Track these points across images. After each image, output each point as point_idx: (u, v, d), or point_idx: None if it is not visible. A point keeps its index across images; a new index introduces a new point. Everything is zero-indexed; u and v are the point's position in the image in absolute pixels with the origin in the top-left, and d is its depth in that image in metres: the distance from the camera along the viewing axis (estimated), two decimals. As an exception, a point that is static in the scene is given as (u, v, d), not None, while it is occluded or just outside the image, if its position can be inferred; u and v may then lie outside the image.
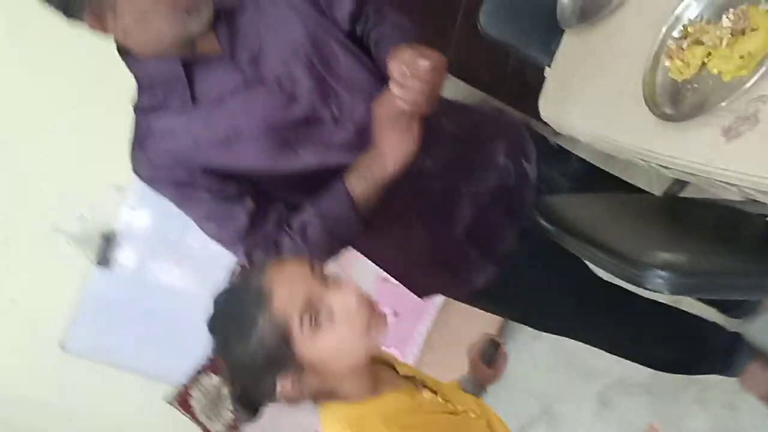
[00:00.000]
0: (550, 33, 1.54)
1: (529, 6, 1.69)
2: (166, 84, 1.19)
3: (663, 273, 0.89)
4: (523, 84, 1.53)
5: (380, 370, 1.05)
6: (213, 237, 1.25)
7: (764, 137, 0.96)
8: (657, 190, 1.51)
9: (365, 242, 1.36)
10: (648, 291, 0.91)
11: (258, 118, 1.20)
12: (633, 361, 1.52)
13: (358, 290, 0.96)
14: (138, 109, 1.23)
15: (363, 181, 1.19)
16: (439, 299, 2.38)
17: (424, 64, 1.05)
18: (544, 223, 1.15)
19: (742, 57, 1.04)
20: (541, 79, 1.53)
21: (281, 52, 1.22)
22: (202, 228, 1.26)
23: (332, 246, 1.25)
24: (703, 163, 1.04)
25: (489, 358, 1.36)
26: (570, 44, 1.48)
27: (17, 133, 2.34)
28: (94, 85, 2.34)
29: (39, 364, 2.55)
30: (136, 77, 1.22)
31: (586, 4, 1.49)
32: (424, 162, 1.25)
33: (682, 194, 1.31)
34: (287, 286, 0.94)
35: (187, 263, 2.59)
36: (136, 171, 1.24)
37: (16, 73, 2.30)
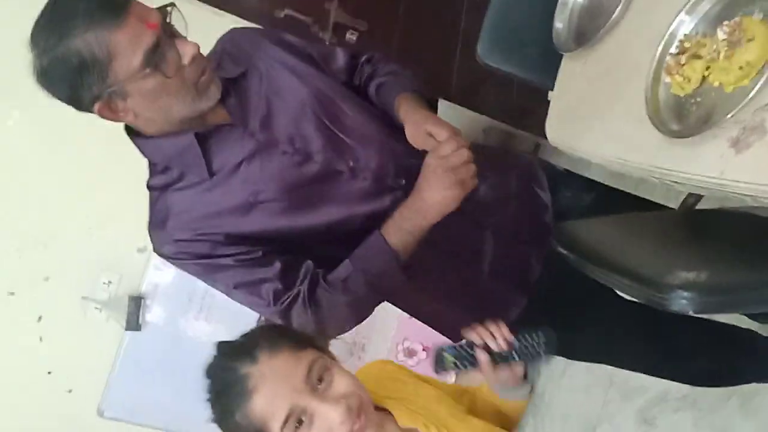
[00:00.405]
0: (549, 58, 1.55)
1: (525, 33, 1.71)
2: (182, 159, 1.20)
3: (686, 293, 0.88)
4: (529, 107, 1.54)
5: (383, 428, 1.05)
6: (245, 304, 1.26)
7: (773, 146, 0.96)
8: (674, 202, 1.50)
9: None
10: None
11: (276, 179, 1.21)
12: (670, 379, 1.50)
13: (346, 402, 0.94)
14: (153, 188, 1.25)
15: (401, 232, 1.20)
16: None
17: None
18: (563, 251, 1.15)
19: (741, 68, 1.04)
20: (546, 101, 1.54)
21: (290, 114, 1.24)
22: (232, 298, 1.26)
23: (374, 299, 1.25)
24: (715, 176, 1.03)
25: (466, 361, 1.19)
26: (569, 68, 1.49)
27: (37, 208, 2.39)
28: (109, 155, 2.39)
29: (79, 432, 2.57)
30: (148, 158, 1.24)
31: (581, 27, 1.50)
32: None
33: (699, 206, 1.30)
34: (274, 389, 0.94)
35: (216, 317, 2.61)
36: (157, 250, 1.25)
37: (33, 145, 2.36)
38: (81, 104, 1.13)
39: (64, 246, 2.44)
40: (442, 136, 1.21)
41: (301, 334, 1.08)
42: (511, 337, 1.11)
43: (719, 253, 1.02)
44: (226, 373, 0.97)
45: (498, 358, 1.15)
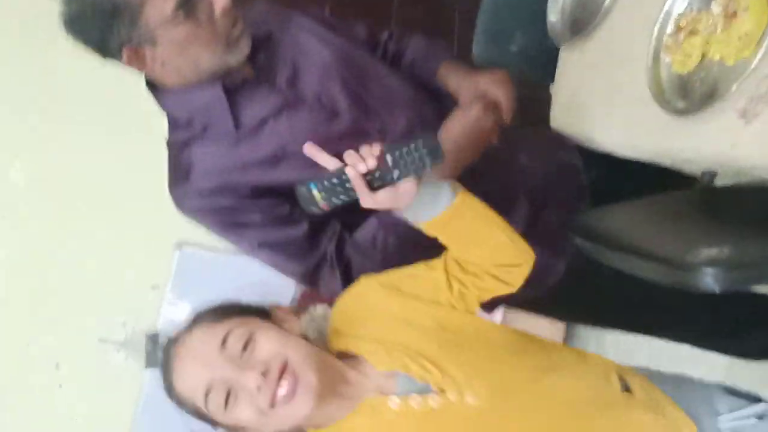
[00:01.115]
0: (545, 51, 1.54)
1: (519, 28, 1.70)
2: (207, 112, 1.16)
3: (710, 270, 0.86)
4: (533, 99, 1.53)
5: (347, 386, 0.96)
6: (270, 264, 1.21)
7: (782, 114, 0.94)
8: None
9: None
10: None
11: (303, 135, 1.15)
12: (723, 352, 1.46)
13: (265, 366, 0.90)
14: (174, 144, 1.20)
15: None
16: (497, 316, 2.29)
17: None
18: (579, 241, 1.13)
19: (740, 39, 1.03)
20: (549, 94, 1.53)
21: (316, 74, 1.23)
22: (257, 257, 1.22)
23: (404, 255, 1.17)
24: (727, 150, 1.02)
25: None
26: (568, 59, 1.48)
27: (46, 252, 2.40)
28: (114, 195, 2.40)
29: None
30: (169, 113, 1.20)
31: (576, 17, 1.49)
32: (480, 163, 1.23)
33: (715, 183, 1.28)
34: (187, 367, 0.94)
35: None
36: (179, 206, 1.20)
37: (37, 189, 2.36)
38: (108, 50, 1.11)
39: (76, 290, 2.42)
40: (502, 98, 1.24)
41: (223, 305, 1.01)
42: (379, 153, 0.92)
43: (740, 227, 0.99)
44: (162, 354, 0.99)
45: (376, 183, 0.94)
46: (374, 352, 0.97)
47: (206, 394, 0.91)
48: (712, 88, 1.08)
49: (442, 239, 1.03)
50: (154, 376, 2.49)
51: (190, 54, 1.11)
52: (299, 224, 1.17)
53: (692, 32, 1.11)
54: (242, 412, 0.90)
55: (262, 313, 1.01)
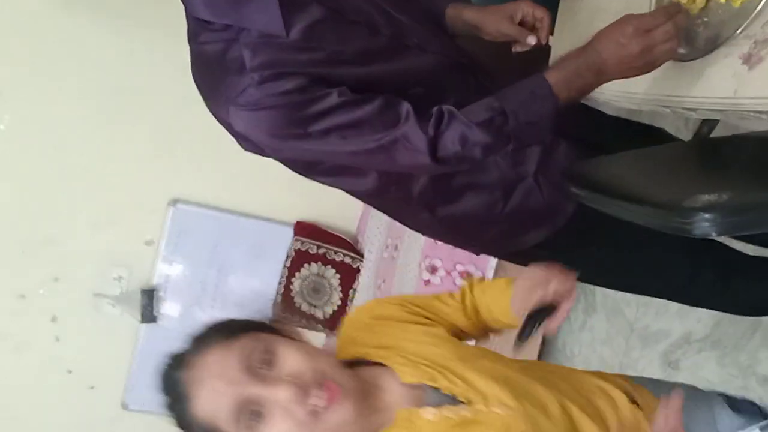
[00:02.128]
0: (546, 2, 1.51)
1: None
2: (254, 16, 1.08)
3: (708, 215, 0.84)
4: (531, 55, 1.49)
5: (375, 398, 0.93)
6: (350, 146, 1.10)
7: (788, 56, 0.91)
8: (684, 136, 1.46)
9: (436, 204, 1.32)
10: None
11: (351, 46, 1.13)
12: (714, 308, 1.46)
13: (294, 380, 0.85)
14: (213, 45, 1.11)
15: (568, 85, 1.08)
16: (492, 264, 2.28)
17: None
18: (575, 189, 1.11)
19: (747, -20, 1.00)
20: (547, 49, 1.49)
21: None
22: (327, 145, 1.10)
23: (527, 140, 1.14)
24: (730, 96, 0.99)
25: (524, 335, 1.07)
26: (568, 9, 1.44)
27: (39, 208, 2.38)
28: (107, 149, 2.38)
29: (105, 430, 2.57)
30: (203, 16, 1.11)
31: (577, -36, 1.46)
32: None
33: (712, 135, 1.26)
34: (208, 389, 0.86)
35: (230, 305, 2.59)
36: (232, 104, 1.08)
37: (30, 145, 2.34)
38: None
39: (70, 244, 2.42)
40: (540, 13, 1.27)
41: (233, 321, 0.95)
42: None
43: (738, 175, 0.98)
44: (166, 383, 0.91)
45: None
46: (402, 364, 0.95)
47: (236, 415, 0.84)
48: (716, 32, 1.05)
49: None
50: (149, 331, 2.51)
51: None
52: (374, 99, 1.09)
53: (699, -26, 1.08)
54: (278, 428, 0.85)
55: (267, 327, 0.95)
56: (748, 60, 0.97)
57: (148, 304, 2.46)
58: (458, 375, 0.94)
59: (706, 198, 0.88)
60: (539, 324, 0.99)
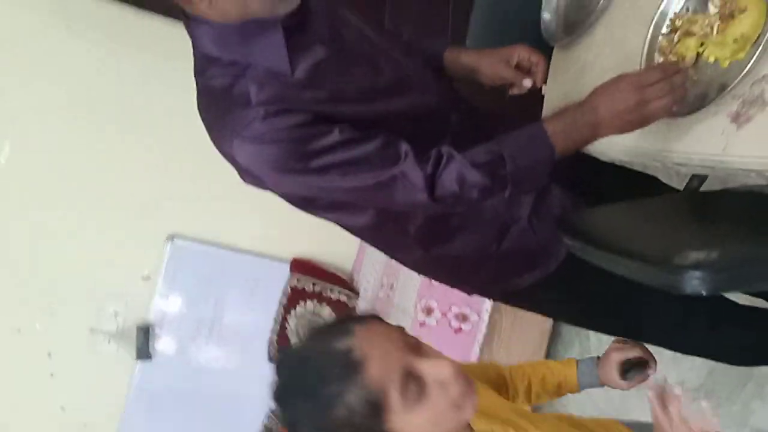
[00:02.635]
0: (540, 49, 1.54)
1: (513, 26, 1.70)
2: (260, 52, 1.11)
3: (697, 273, 0.85)
4: (524, 100, 1.52)
5: None
6: (348, 183, 1.11)
7: (775, 117, 0.93)
8: (677, 184, 1.47)
9: (432, 244, 1.33)
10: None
11: (355, 84, 1.16)
12: (706, 356, 1.46)
13: (452, 361, 0.87)
14: (219, 81, 1.13)
15: (565, 136, 1.11)
16: (487, 306, 2.28)
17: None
18: (568, 240, 1.13)
19: (736, 41, 1.02)
20: (541, 93, 1.52)
21: (352, 32, 1.23)
22: (330, 182, 1.12)
23: (500, 192, 1.16)
24: (719, 153, 1.01)
25: (626, 373, 1.37)
26: (561, 59, 1.47)
27: (37, 242, 2.39)
28: (106, 184, 2.39)
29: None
30: (210, 52, 1.14)
31: (570, 16, 1.49)
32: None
33: (703, 188, 1.28)
34: (383, 353, 0.83)
35: (226, 341, 2.59)
36: (237, 137, 1.09)
37: (28, 178, 2.35)
38: None
39: (68, 279, 2.42)
40: (535, 58, 1.31)
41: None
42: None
43: (727, 231, 0.99)
44: (322, 357, 0.85)
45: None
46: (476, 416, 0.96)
47: (405, 384, 0.83)
48: (704, 90, 1.07)
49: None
50: (144, 368, 2.50)
51: None
52: (375, 137, 1.11)
53: (687, 33, 1.10)
54: (436, 405, 0.85)
55: None
56: (737, 119, 0.99)
57: (144, 341, 2.46)
58: (518, 428, 1.00)
59: (695, 255, 0.89)
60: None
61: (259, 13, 1.09)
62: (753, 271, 0.86)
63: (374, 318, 0.90)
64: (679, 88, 1.05)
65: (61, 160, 2.36)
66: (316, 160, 1.09)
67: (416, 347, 0.87)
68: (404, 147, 1.12)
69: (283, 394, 0.88)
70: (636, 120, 1.07)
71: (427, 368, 0.84)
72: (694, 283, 0.86)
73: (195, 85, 1.19)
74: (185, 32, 1.16)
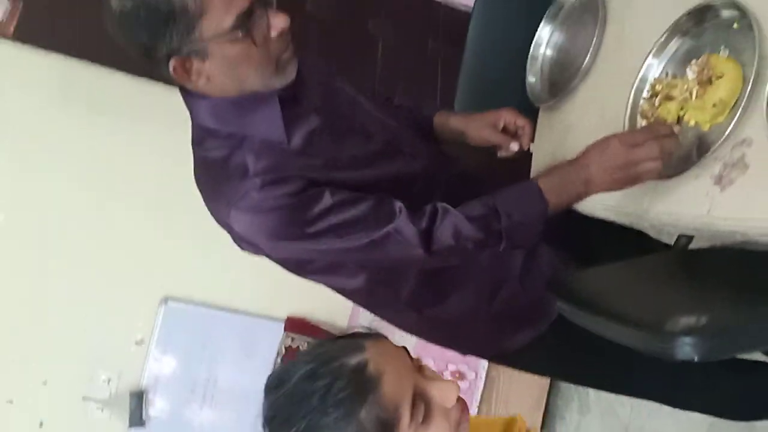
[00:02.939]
0: (526, 110, 1.56)
1: (499, 89, 1.73)
2: (257, 124, 1.13)
3: (689, 339, 0.85)
4: (514, 161, 1.55)
5: None
6: (341, 246, 1.12)
7: (757, 180, 0.95)
8: (667, 239, 1.48)
9: (423, 304, 1.32)
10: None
11: (349, 151, 1.18)
12: (705, 412, 1.45)
13: (457, 385, 0.86)
14: (216, 153, 1.15)
15: (558, 193, 1.13)
16: (482, 372, 2.26)
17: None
18: (559, 303, 1.13)
19: (715, 105, 1.05)
20: (530, 155, 1.54)
21: (344, 101, 1.26)
22: (325, 245, 1.13)
23: (495, 247, 1.17)
24: (703, 215, 1.03)
25: None
26: (547, 120, 1.50)
27: (28, 309, 2.37)
28: (96, 250, 2.39)
29: None
30: (207, 125, 1.15)
31: (554, 78, 1.52)
32: None
33: (692, 245, 1.29)
34: (396, 370, 0.81)
35: (220, 404, 2.55)
36: (234, 207, 1.10)
37: (20, 244, 2.35)
38: (155, 56, 1.06)
39: (60, 346, 2.39)
40: (521, 121, 1.34)
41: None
42: None
43: (717, 293, 0.99)
44: (336, 373, 0.81)
45: None
46: None
47: (416, 403, 0.81)
48: (687, 152, 1.09)
49: None
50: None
51: (238, 73, 1.09)
52: (367, 197, 1.13)
53: (668, 97, 1.13)
54: (438, 429, 0.83)
55: None
56: (719, 181, 1.01)
57: (137, 407, 2.41)
58: None
59: (686, 320, 0.90)
60: None
61: (256, 87, 1.12)
62: (744, 338, 0.87)
63: (381, 335, 0.89)
64: (668, 150, 1.07)
65: (52, 226, 2.35)
66: (312, 226, 1.10)
67: (421, 368, 0.86)
68: (397, 204, 1.14)
69: (284, 413, 0.82)
70: (625, 179, 1.10)
71: (437, 391, 0.83)
72: (686, 349, 0.86)
73: (190, 152, 1.21)
74: (181, 99, 1.18)
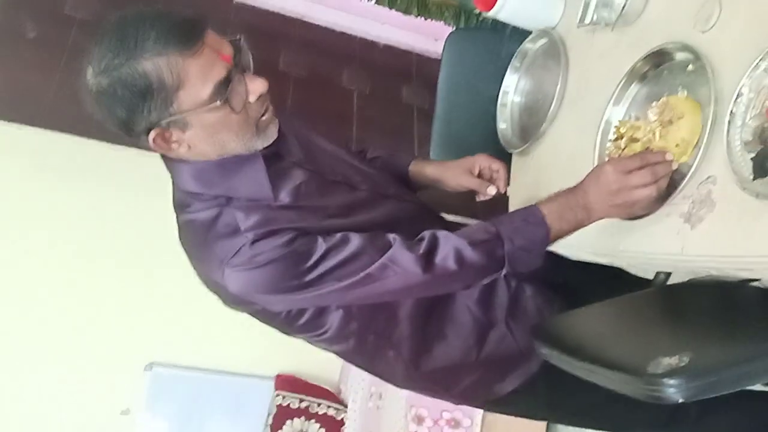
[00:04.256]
0: (500, 154, 1.59)
1: (472, 136, 1.75)
2: (243, 185, 1.13)
3: (673, 381, 0.85)
4: (494, 202, 1.57)
5: None
6: (364, 270, 1.11)
7: (725, 217, 0.96)
8: (649, 273, 1.49)
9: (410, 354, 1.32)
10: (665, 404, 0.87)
11: (335, 202, 1.18)
12: None
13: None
14: (202, 215, 1.14)
15: (560, 218, 1.14)
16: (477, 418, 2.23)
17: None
18: (544, 350, 1.12)
19: (678, 145, 1.07)
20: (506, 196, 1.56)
21: (325, 155, 1.27)
22: (322, 287, 1.12)
23: (495, 273, 1.18)
24: (678, 253, 1.03)
25: None
26: (519, 164, 1.52)
27: (10, 382, 2.33)
28: (77, 321, 2.36)
29: None
30: (192, 189, 1.15)
31: (524, 123, 1.55)
32: None
33: (671, 280, 1.30)
34: None
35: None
36: (227, 266, 1.09)
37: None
38: (133, 131, 1.06)
39: (44, 420, 2.34)
40: (496, 166, 1.37)
41: None
42: None
43: (698, 331, 1.00)
44: None
45: None
46: None
47: None
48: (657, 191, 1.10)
49: None
50: None
51: (219, 139, 1.09)
52: (359, 236, 1.13)
53: (632, 139, 1.15)
54: None
55: None
56: (689, 219, 1.02)
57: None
58: None
59: (668, 361, 0.90)
60: None
61: (238, 151, 1.12)
62: (729, 376, 0.86)
63: None
64: (662, 177, 1.09)
65: (31, 295, 2.32)
66: (309, 274, 1.10)
67: None
68: (391, 235, 1.14)
69: None
70: (622, 205, 1.11)
71: None
72: (671, 391, 0.86)
73: (173, 216, 1.20)
74: (159, 162, 1.18)
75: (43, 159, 2.29)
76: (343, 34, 2.56)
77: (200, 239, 1.15)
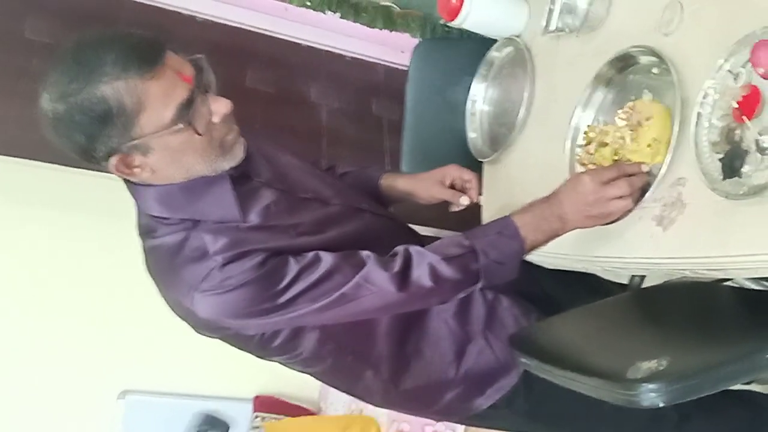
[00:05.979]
0: (472, 164, 1.58)
1: (442, 146, 1.75)
2: (210, 207, 1.10)
3: (652, 386, 0.84)
4: (469, 211, 1.57)
5: None
6: (338, 290, 1.10)
7: (696, 218, 0.97)
8: (624, 278, 1.49)
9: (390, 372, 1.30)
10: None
11: (307, 219, 1.16)
12: None
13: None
14: (169, 239, 1.11)
15: (535, 229, 1.13)
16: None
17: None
18: (523, 359, 1.11)
19: (650, 145, 1.07)
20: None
21: (294, 172, 1.25)
22: (296, 308, 1.09)
23: (470, 287, 1.16)
24: (651, 257, 1.03)
25: None
26: (491, 173, 1.51)
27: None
28: (53, 350, 2.30)
29: None
30: (158, 213, 1.12)
31: (494, 132, 1.55)
32: None
33: (645, 283, 1.30)
34: None
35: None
36: (197, 290, 1.06)
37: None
38: (93, 157, 1.03)
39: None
40: (467, 176, 1.36)
41: None
42: None
43: (674, 334, 1.00)
44: None
45: None
46: None
47: None
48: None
49: None
50: None
51: (183, 162, 1.07)
52: (332, 255, 1.11)
53: (601, 144, 1.15)
54: None
55: None
56: (661, 222, 1.02)
57: None
58: None
59: (647, 366, 0.89)
60: None
61: (204, 173, 1.10)
62: (707, 378, 0.86)
63: None
64: (637, 187, 1.09)
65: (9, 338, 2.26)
66: (282, 296, 1.07)
67: None
68: (364, 253, 1.12)
69: None
70: (598, 215, 1.10)
71: None
72: (651, 396, 0.85)
73: (133, 242, 1.17)
74: (123, 187, 1.15)
75: (4, 186, 2.23)
76: (309, 47, 2.54)
77: (167, 265, 1.12)
